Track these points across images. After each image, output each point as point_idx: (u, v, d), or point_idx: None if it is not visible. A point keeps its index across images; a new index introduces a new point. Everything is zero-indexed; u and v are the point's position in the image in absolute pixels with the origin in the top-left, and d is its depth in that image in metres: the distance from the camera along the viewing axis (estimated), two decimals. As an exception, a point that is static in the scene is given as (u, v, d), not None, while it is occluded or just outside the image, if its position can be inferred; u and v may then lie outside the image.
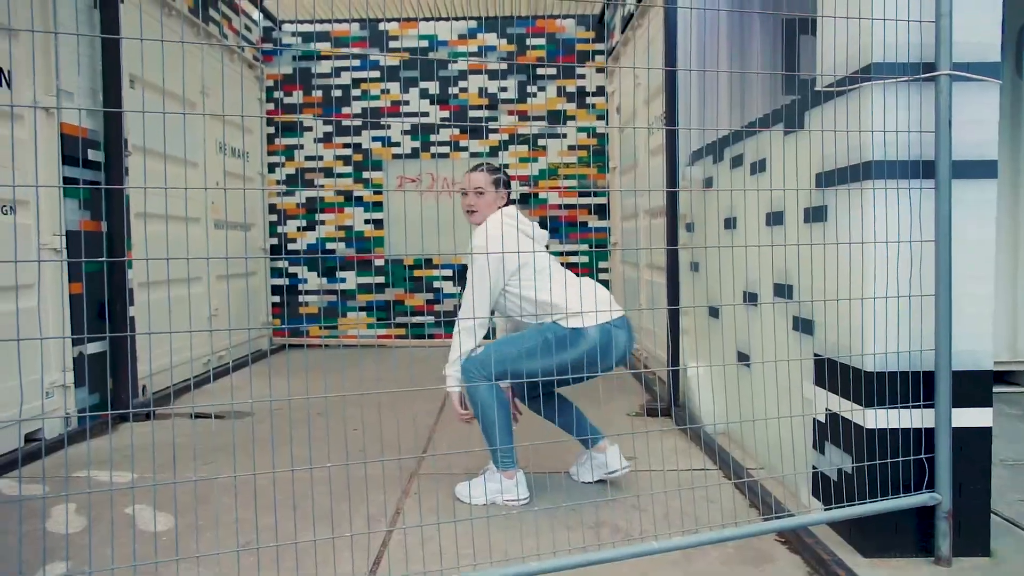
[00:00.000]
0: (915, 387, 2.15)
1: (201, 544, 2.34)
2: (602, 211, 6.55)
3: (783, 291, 2.75)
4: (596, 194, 6.55)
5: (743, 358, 3.26)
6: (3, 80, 3.31)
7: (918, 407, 2.15)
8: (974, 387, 2.14)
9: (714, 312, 3.69)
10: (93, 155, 3.90)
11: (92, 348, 3.89)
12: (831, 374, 2.36)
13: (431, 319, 6.58)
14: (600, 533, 2.43)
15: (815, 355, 2.47)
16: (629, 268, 5.93)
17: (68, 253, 3.66)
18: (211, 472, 3.09)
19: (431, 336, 6.57)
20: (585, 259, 6.57)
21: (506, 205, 2.88)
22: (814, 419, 2.50)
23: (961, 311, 2.12)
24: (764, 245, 2.83)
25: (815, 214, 2.47)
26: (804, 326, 2.58)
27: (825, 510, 2.17)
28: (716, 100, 3.87)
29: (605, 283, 6.58)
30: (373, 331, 6.57)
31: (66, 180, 3.68)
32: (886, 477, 2.15)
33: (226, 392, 4.76)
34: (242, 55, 5.99)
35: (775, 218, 2.82)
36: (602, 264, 6.60)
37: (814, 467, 2.50)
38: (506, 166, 6.49)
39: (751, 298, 3.13)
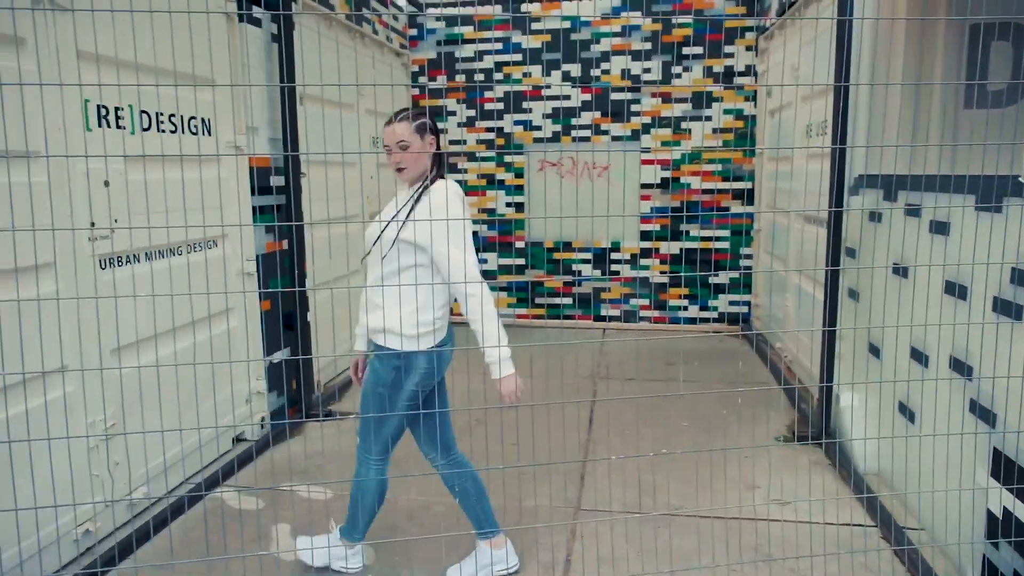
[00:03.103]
0: (1109, 510, 2.11)
1: (402, 584, 2.70)
2: (746, 196, 6.38)
3: (961, 368, 2.69)
4: (742, 178, 6.36)
5: (904, 409, 3.22)
6: (206, 129, 3.66)
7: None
8: None
9: (874, 350, 3.62)
10: (275, 180, 4.25)
11: (279, 356, 4.35)
12: (1010, 473, 2.33)
13: (569, 300, 6.76)
14: (761, 603, 2.58)
15: (994, 448, 2.44)
16: (775, 260, 5.81)
17: (260, 275, 4.07)
18: (390, 494, 3.46)
19: (568, 317, 6.76)
20: (726, 244, 6.48)
21: (437, 154, 2.51)
22: (988, 509, 2.49)
23: None
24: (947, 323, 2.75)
25: (1006, 308, 2.38)
26: (982, 412, 2.54)
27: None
28: (883, 121, 3.67)
29: (748, 269, 6.48)
30: (513, 310, 6.83)
31: (258, 209, 4.05)
32: (1067, 593, 2.15)
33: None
34: (391, 46, 6.17)
35: (958, 290, 2.73)
36: (745, 251, 6.47)
37: (985, 555, 2.51)
38: (647, 150, 6.41)
39: (919, 356, 3.06)
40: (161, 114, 3.34)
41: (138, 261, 3.24)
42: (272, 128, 4.21)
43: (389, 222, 2.45)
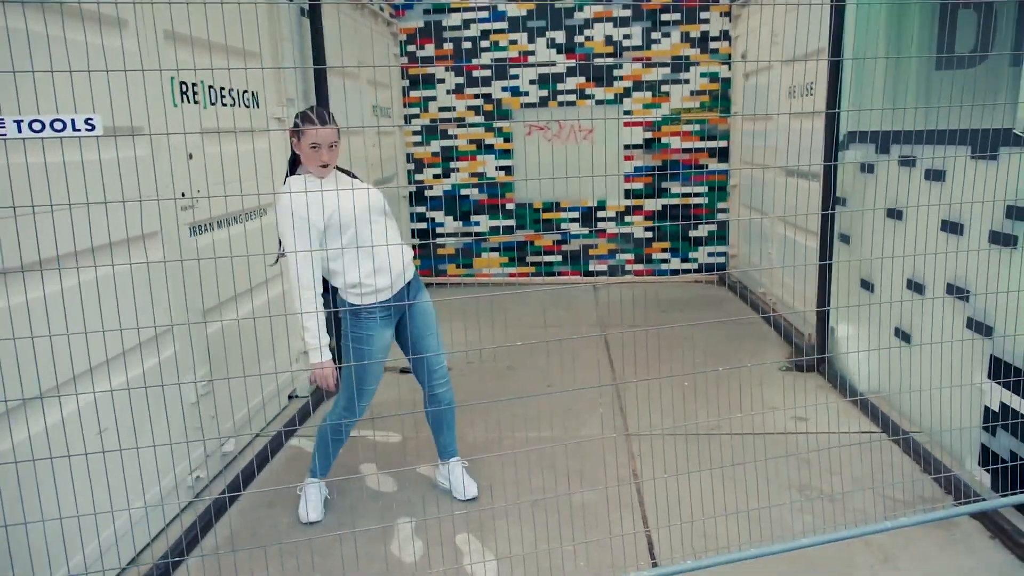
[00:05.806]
0: (1089, 395, 2.65)
1: (507, 500, 3.05)
2: (722, 154, 6.86)
3: (958, 291, 3.21)
4: (717, 137, 6.84)
5: (900, 333, 3.76)
6: (255, 102, 3.83)
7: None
8: None
9: (867, 285, 4.15)
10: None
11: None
12: (1008, 373, 2.85)
13: (559, 258, 7.14)
14: (809, 495, 3.07)
15: (992, 356, 2.97)
16: (752, 212, 6.32)
17: (302, 241, 4.27)
18: (460, 433, 3.80)
19: (558, 273, 7.15)
20: (704, 199, 6.96)
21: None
22: (985, 406, 3.02)
23: None
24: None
25: (1003, 239, 2.88)
26: (979, 327, 3.06)
27: (1005, 495, 2.73)
28: (872, 79, 4.14)
29: (724, 223, 6.99)
30: (505, 270, 7.18)
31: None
32: (1057, 463, 2.69)
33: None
34: (383, 15, 6.31)
35: (952, 227, 3.23)
36: (721, 204, 6.98)
37: (983, 444, 3.05)
38: (628, 112, 6.79)
39: (915, 286, 3.58)
40: (223, 88, 3.50)
41: (213, 229, 3.43)
42: (305, 100, 4.38)
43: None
